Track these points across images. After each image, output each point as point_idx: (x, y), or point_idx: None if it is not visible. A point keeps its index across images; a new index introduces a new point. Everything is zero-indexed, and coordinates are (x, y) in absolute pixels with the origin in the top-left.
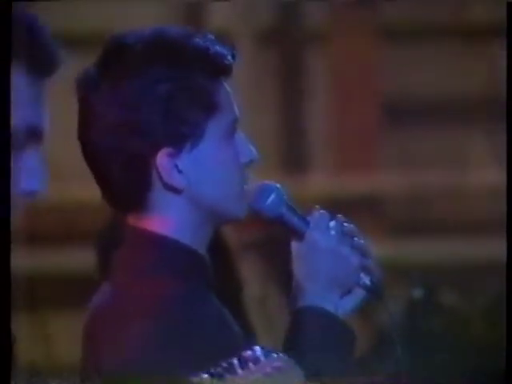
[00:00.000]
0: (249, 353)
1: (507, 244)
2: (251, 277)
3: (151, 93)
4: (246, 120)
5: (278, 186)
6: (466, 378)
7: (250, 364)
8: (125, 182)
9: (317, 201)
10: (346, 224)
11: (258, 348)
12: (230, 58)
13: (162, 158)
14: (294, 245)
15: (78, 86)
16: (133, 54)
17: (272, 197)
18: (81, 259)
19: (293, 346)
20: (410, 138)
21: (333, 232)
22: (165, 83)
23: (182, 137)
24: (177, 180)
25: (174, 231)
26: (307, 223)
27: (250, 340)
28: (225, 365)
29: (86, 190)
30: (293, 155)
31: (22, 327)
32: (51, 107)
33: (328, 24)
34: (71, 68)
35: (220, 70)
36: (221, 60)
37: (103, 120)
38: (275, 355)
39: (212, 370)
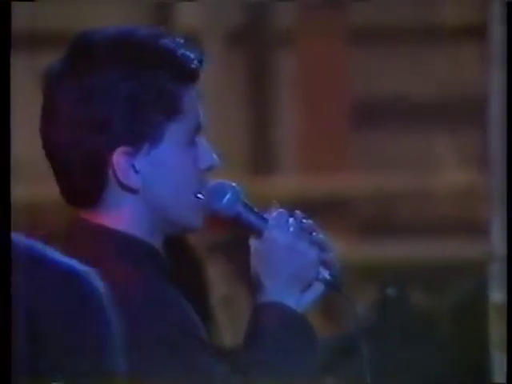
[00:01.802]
0: None
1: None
2: (217, 277)
3: (113, 90)
4: (213, 120)
5: (234, 184)
6: (435, 378)
7: None
8: (82, 178)
9: (284, 201)
10: (304, 220)
11: None
12: (196, 62)
13: (118, 157)
14: (253, 243)
15: (42, 80)
16: (98, 50)
17: (228, 196)
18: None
19: (252, 341)
20: (377, 139)
21: (291, 229)
22: (127, 82)
23: (140, 137)
24: (133, 180)
25: (126, 225)
26: (265, 221)
27: (212, 332)
28: None
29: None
30: (260, 156)
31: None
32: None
33: (296, 25)
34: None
35: (186, 74)
36: (187, 64)
37: (63, 114)
38: None
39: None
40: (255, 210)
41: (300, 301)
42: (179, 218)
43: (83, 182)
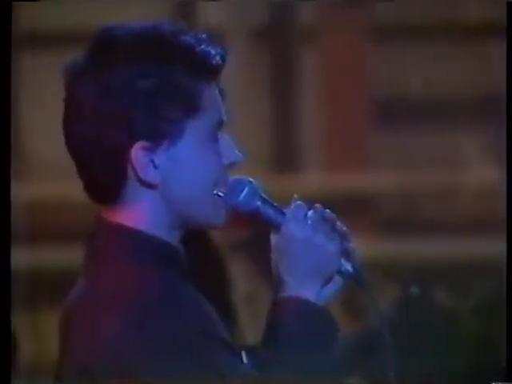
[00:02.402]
0: None
1: (507, 244)
2: (240, 274)
3: (133, 86)
4: (236, 118)
5: (251, 179)
6: (459, 377)
7: None
8: (101, 173)
9: (307, 199)
10: (324, 212)
11: None
12: (218, 58)
13: (137, 151)
14: (273, 237)
15: (65, 75)
16: (120, 46)
17: (245, 191)
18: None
19: (272, 336)
20: (401, 136)
21: (309, 222)
22: (148, 78)
23: (160, 133)
24: (151, 175)
25: (144, 223)
26: (284, 215)
27: (231, 329)
28: None
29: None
30: (284, 154)
31: (21, 325)
32: (53, 108)
33: (319, 23)
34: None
35: (206, 70)
36: (208, 60)
37: (84, 109)
38: None
39: None
40: (273, 204)
41: (320, 294)
42: (199, 214)
43: (103, 177)
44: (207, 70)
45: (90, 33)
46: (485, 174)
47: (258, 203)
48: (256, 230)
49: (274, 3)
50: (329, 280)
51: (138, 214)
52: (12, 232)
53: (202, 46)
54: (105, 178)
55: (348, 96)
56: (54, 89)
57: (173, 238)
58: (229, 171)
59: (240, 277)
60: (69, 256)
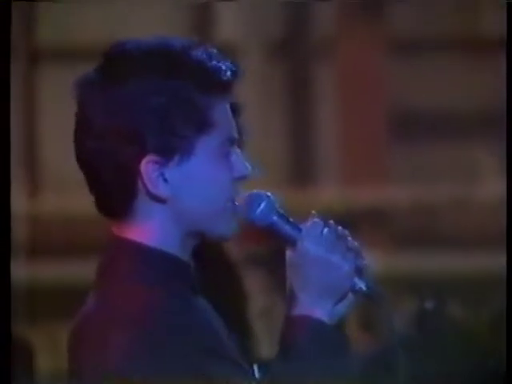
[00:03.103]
0: None
1: (507, 257)
2: (255, 289)
3: (144, 103)
4: (254, 132)
5: (269, 194)
6: None
7: None
8: (112, 188)
9: (324, 213)
10: (338, 229)
11: None
12: (229, 74)
13: (147, 165)
14: (288, 253)
15: (75, 89)
16: (131, 61)
17: (262, 205)
18: (82, 271)
19: (285, 353)
20: (418, 150)
21: (324, 240)
22: (159, 95)
23: (170, 149)
24: (161, 189)
25: (155, 239)
26: (300, 231)
27: (243, 351)
28: None
29: (87, 203)
30: (301, 168)
31: (21, 337)
32: (53, 122)
33: (336, 36)
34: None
35: (217, 86)
36: (219, 76)
37: (95, 124)
38: None
39: None
40: (290, 219)
41: (333, 312)
42: (210, 227)
43: (114, 191)
44: (218, 86)
45: (105, 45)
46: (502, 187)
47: (275, 218)
48: (271, 245)
49: (290, 16)
50: (342, 298)
51: (149, 229)
52: (13, 245)
53: (213, 62)
54: (115, 192)
55: (364, 109)
56: (69, 102)
57: (184, 252)
58: (242, 185)
59: (255, 291)
60: (72, 270)
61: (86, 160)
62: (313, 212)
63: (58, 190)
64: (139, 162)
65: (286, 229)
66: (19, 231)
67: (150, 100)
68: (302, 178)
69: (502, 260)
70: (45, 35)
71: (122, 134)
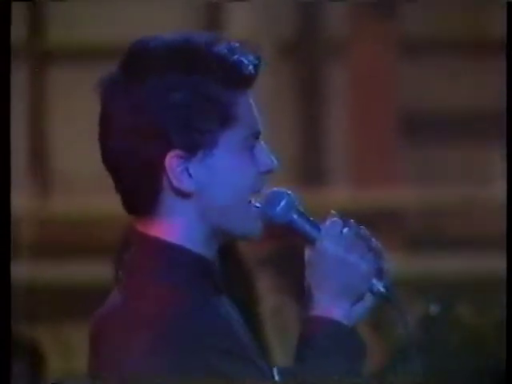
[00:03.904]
0: None
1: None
2: (267, 289)
3: (167, 99)
4: (265, 131)
5: (289, 192)
6: None
7: None
8: (137, 185)
9: (335, 213)
10: (359, 229)
11: None
12: (251, 68)
13: (171, 160)
14: (307, 252)
15: (99, 88)
16: (154, 58)
17: (283, 203)
18: (84, 271)
19: (302, 355)
20: (430, 151)
21: (344, 240)
22: (182, 91)
23: (194, 144)
24: (186, 184)
25: (180, 236)
26: (319, 230)
27: (261, 352)
28: None
29: (92, 203)
30: (312, 167)
31: (22, 337)
32: (63, 122)
33: (348, 35)
34: (92, 77)
35: (240, 80)
36: (241, 70)
37: (119, 122)
38: None
39: None
40: (309, 218)
41: (351, 313)
42: (235, 225)
43: (139, 188)
44: (241, 80)
45: (118, 46)
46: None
47: (295, 216)
48: (283, 244)
49: (302, 16)
50: (360, 299)
51: (174, 226)
52: (18, 246)
53: (236, 56)
54: (141, 189)
55: (376, 109)
56: (79, 102)
57: (209, 251)
58: (265, 178)
59: (267, 290)
60: (74, 271)
61: (112, 159)
62: (332, 212)
63: (65, 192)
64: (164, 157)
65: (306, 227)
66: (25, 232)
67: (173, 96)
68: (313, 178)
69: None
70: (55, 34)
71: (146, 131)
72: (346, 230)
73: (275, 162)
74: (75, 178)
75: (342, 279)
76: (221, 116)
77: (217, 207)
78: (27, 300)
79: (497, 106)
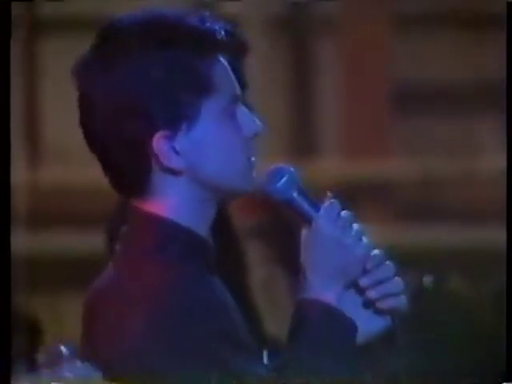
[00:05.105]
0: (53, 350)
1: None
2: (256, 260)
3: (144, 76)
4: (255, 107)
5: (292, 169)
6: (474, 368)
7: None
8: (125, 166)
9: (326, 186)
10: (355, 222)
11: (64, 349)
12: (222, 33)
13: (158, 141)
14: (303, 231)
15: (75, 73)
16: (126, 37)
17: (283, 179)
18: (82, 241)
19: (294, 338)
20: (420, 124)
21: (341, 222)
22: (157, 66)
23: (177, 118)
24: (174, 162)
25: (174, 213)
26: (318, 211)
27: (253, 325)
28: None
29: (87, 174)
30: (303, 141)
31: (22, 309)
32: (53, 92)
33: (339, 11)
34: (73, 52)
35: (213, 47)
36: (213, 36)
37: (101, 105)
38: (78, 363)
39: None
40: (310, 197)
41: (341, 296)
42: (230, 186)
43: (128, 170)
44: (214, 47)
45: (106, 19)
46: (503, 161)
47: (294, 194)
48: (274, 216)
49: None
50: (352, 283)
51: (167, 203)
52: (12, 216)
53: (207, 24)
54: (130, 170)
55: (367, 83)
56: (70, 75)
57: (203, 228)
58: (253, 141)
59: (257, 262)
60: (69, 239)
61: (96, 143)
62: (328, 193)
63: (59, 162)
64: (149, 137)
65: (304, 206)
66: (18, 202)
67: (149, 73)
68: (305, 152)
69: (504, 235)
70: (45, 7)
71: (127, 112)
72: (343, 212)
73: (260, 124)
74: (67, 147)
75: (337, 261)
76: (199, 86)
77: (209, 178)
78: (22, 271)
79: (489, 79)
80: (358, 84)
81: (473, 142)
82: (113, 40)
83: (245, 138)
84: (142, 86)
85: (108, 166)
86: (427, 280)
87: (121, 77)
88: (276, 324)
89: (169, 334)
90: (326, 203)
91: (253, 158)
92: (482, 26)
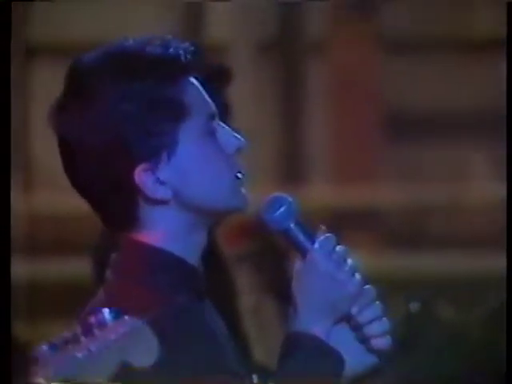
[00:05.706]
0: (93, 318)
1: (507, 256)
2: (245, 287)
3: (117, 112)
4: (244, 131)
5: (291, 199)
6: None
7: (95, 330)
8: (112, 205)
9: (316, 213)
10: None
11: (106, 311)
12: (188, 56)
13: (139, 175)
14: (297, 262)
15: (50, 118)
16: (92, 75)
17: (282, 209)
18: (79, 267)
19: (283, 368)
20: (409, 150)
21: (335, 256)
22: (127, 100)
23: (156, 149)
24: (161, 192)
25: (166, 242)
26: (313, 243)
27: (243, 351)
28: (68, 334)
29: (75, 199)
30: (292, 166)
31: (21, 334)
32: (45, 119)
33: (328, 35)
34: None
35: (179, 69)
36: (178, 61)
37: (79, 147)
38: (125, 318)
39: (54, 341)
40: (306, 230)
41: (330, 330)
42: (222, 206)
43: (115, 207)
44: (181, 70)
45: (98, 43)
46: (492, 189)
47: (291, 225)
48: (264, 243)
49: (281, 15)
50: (341, 319)
51: (159, 233)
52: (12, 242)
53: (170, 50)
54: (117, 208)
55: (357, 109)
56: (48, 96)
57: (194, 255)
58: (237, 157)
59: (246, 288)
60: (67, 265)
61: (83, 185)
62: (322, 227)
63: (52, 188)
64: (131, 172)
65: (300, 238)
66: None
67: (120, 108)
68: (293, 177)
69: (494, 260)
70: (39, 33)
71: (105, 150)
72: (338, 247)
73: (241, 139)
74: (61, 173)
75: (329, 296)
76: (173, 113)
77: (196, 200)
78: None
79: (480, 104)
80: (348, 109)
81: (463, 168)
82: (79, 80)
83: (227, 154)
84: (116, 121)
85: (96, 207)
86: (413, 307)
87: (94, 116)
88: (265, 350)
89: (158, 361)
90: (322, 236)
91: (239, 175)
92: (477, 52)
